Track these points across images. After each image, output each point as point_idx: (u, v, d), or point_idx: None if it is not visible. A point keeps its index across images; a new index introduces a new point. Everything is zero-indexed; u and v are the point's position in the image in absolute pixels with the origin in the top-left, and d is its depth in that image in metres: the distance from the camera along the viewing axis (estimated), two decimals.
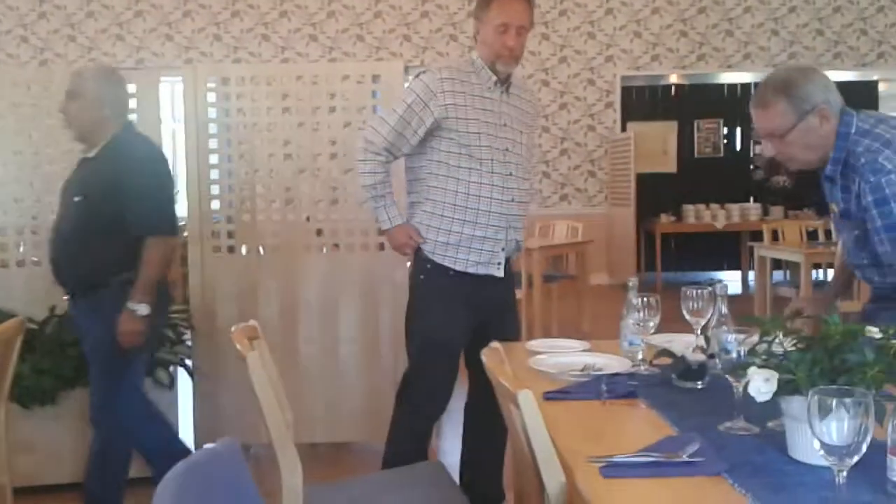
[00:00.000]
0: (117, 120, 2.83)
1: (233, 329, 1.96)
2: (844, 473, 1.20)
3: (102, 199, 2.68)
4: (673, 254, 9.47)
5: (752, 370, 1.39)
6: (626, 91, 9.41)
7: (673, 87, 9.82)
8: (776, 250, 6.55)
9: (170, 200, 2.82)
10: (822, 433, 1.19)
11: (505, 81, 2.68)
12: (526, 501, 1.95)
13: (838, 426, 1.18)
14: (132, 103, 3.49)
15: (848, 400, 1.18)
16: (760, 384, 1.38)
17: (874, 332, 1.46)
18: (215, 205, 3.61)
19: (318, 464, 3.45)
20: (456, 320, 2.63)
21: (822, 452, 1.19)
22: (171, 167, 2.92)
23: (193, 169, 3.56)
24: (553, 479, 1.41)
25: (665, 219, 9.13)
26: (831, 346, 1.40)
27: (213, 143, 3.61)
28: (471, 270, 2.64)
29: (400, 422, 2.71)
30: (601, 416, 1.77)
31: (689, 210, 9.17)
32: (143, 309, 2.66)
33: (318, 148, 3.63)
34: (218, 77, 3.68)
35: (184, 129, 3.58)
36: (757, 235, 7.49)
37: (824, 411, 1.19)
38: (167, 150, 3.18)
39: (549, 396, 1.87)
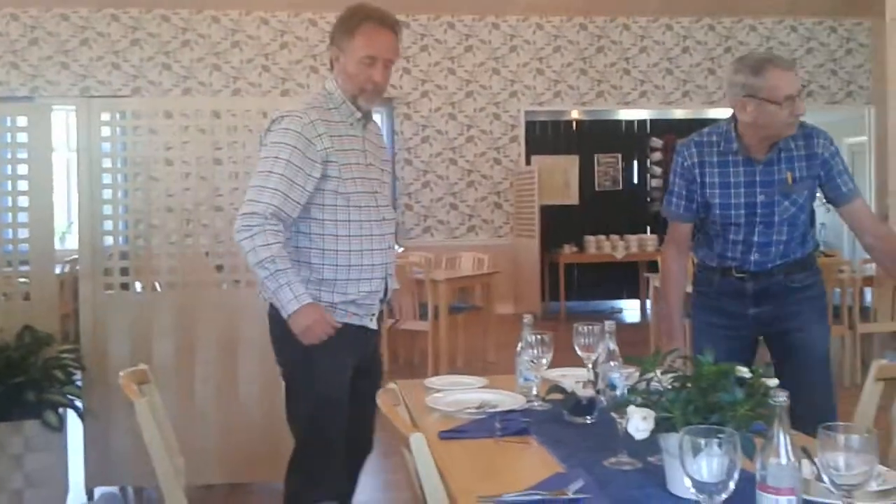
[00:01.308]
0: None
1: (121, 374, 1.91)
2: None
3: None
4: (576, 283, 9.72)
5: (631, 409, 1.45)
6: (530, 125, 9.66)
7: (574, 123, 10.14)
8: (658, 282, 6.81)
9: None
10: (693, 470, 1.25)
11: (366, 116, 2.43)
12: None
13: (708, 464, 1.25)
14: (22, 136, 3.40)
15: (716, 439, 1.24)
16: (638, 423, 1.44)
17: (744, 371, 1.55)
18: (108, 240, 3.51)
19: None
20: (346, 374, 2.38)
21: (692, 490, 1.26)
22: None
23: (86, 203, 3.45)
24: None
25: (568, 249, 9.38)
26: (704, 385, 1.48)
27: (106, 177, 3.52)
28: (354, 322, 2.38)
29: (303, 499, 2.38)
30: (494, 455, 1.80)
31: (591, 241, 9.45)
32: None
33: (218, 182, 3.59)
34: (114, 110, 3.60)
35: (77, 162, 3.48)
36: (654, 265, 7.77)
37: (695, 450, 1.25)
38: (60, 182, 3.07)
39: (445, 436, 1.90)
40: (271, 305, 2.35)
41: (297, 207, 2.26)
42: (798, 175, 2.49)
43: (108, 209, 3.51)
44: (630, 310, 9.77)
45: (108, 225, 3.54)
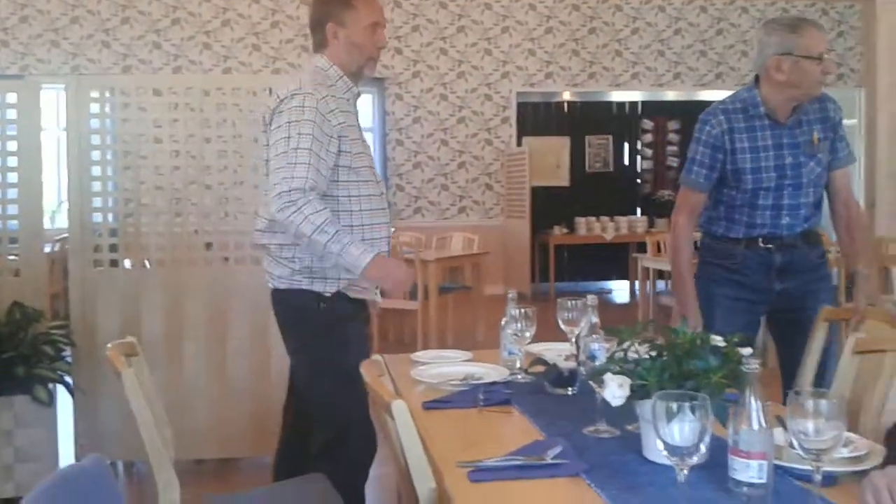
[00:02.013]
0: None
1: (109, 346, 1.94)
2: (686, 472, 1.29)
3: None
4: (566, 264, 9.75)
5: (608, 376, 1.49)
6: (522, 106, 9.66)
7: (566, 104, 10.13)
8: (657, 261, 6.87)
9: None
10: (665, 434, 1.29)
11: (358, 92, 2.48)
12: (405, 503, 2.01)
13: (680, 428, 1.28)
14: (12, 113, 3.40)
15: (688, 403, 1.28)
16: (615, 390, 1.48)
17: (718, 340, 1.58)
18: (97, 217, 3.52)
19: (204, 479, 3.40)
20: (368, 346, 2.43)
21: (665, 453, 1.29)
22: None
23: (76, 179, 3.46)
24: (423, 484, 1.47)
25: (558, 231, 9.40)
26: (679, 353, 1.51)
27: (96, 155, 3.52)
28: (364, 296, 2.44)
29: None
30: (477, 424, 1.84)
31: (581, 222, 9.48)
32: None
33: (208, 160, 3.59)
34: (103, 88, 3.60)
35: (66, 140, 3.49)
36: (643, 246, 7.82)
37: (667, 414, 1.28)
38: (50, 160, 3.07)
39: (429, 406, 1.94)
40: (278, 291, 2.39)
41: (326, 182, 2.28)
42: (821, 136, 2.60)
43: (97, 186, 3.52)
44: (619, 290, 9.82)
45: (98, 202, 3.55)
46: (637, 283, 8.22)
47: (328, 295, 2.35)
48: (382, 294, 2.51)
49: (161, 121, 3.59)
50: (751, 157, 2.58)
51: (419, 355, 2.40)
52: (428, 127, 9.37)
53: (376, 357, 1.99)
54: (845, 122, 2.78)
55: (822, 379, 2.38)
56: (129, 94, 3.59)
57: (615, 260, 9.75)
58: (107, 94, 3.59)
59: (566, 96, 10.07)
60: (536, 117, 9.94)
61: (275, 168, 2.26)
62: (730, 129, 2.60)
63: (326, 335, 2.35)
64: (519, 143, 9.48)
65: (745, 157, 2.58)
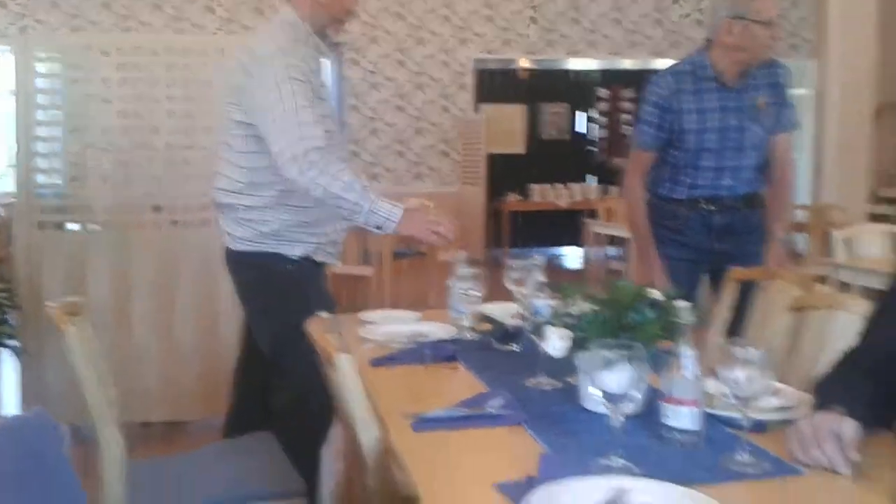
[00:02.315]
0: None
1: (51, 304, 1.91)
2: (622, 419, 1.33)
3: None
4: (521, 231, 9.82)
5: (549, 329, 1.52)
6: (479, 74, 9.63)
7: (523, 72, 10.13)
8: (608, 227, 6.99)
9: None
10: (601, 383, 1.32)
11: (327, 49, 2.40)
12: (350, 458, 2.04)
13: (614, 377, 1.31)
14: None
15: (623, 352, 1.31)
16: (555, 342, 1.51)
17: (656, 293, 1.62)
18: (42, 179, 3.45)
19: (152, 442, 3.39)
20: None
21: (601, 400, 1.33)
22: None
23: (23, 142, 3.38)
24: (367, 435, 1.49)
25: (513, 198, 9.46)
26: (618, 307, 1.55)
27: (42, 115, 3.44)
28: (328, 261, 2.46)
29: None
30: (423, 379, 1.86)
31: (536, 189, 9.55)
32: None
33: (157, 121, 3.53)
34: (50, 48, 3.50)
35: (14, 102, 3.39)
36: (597, 213, 7.92)
37: (604, 363, 1.32)
38: None
39: (376, 363, 1.95)
40: (238, 252, 2.35)
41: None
42: (767, 101, 2.65)
43: (43, 147, 3.44)
44: (572, 256, 9.94)
45: (45, 164, 3.47)
46: (589, 249, 8.33)
47: (294, 258, 2.34)
48: (420, 244, 2.48)
49: (110, 81, 3.51)
50: (696, 119, 2.63)
51: (368, 315, 2.41)
52: (385, 93, 9.30)
53: (323, 314, 1.99)
54: (798, 91, 2.85)
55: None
56: (77, 54, 3.50)
57: (569, 226, 9.84)
58: (55, 55, 3.50)
59: (523, 64, 10.06)
60: (494, 84, 9.93)
61: (274, 130, 2.17)
62: (678, 90, 2.66)
63: (291, 298, 2.34)
64: (476, 111, 9.47)
65: (691, 117, 2.63)
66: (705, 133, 2.63)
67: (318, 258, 2.40)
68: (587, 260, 8.68)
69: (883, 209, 7.40)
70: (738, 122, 2.63)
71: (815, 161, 8.98)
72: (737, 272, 2.40)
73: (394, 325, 2.26)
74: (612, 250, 7.91)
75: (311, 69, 2.26)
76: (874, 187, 8.25)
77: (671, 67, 2.75)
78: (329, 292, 2.51)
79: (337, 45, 2.45)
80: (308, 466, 2.21)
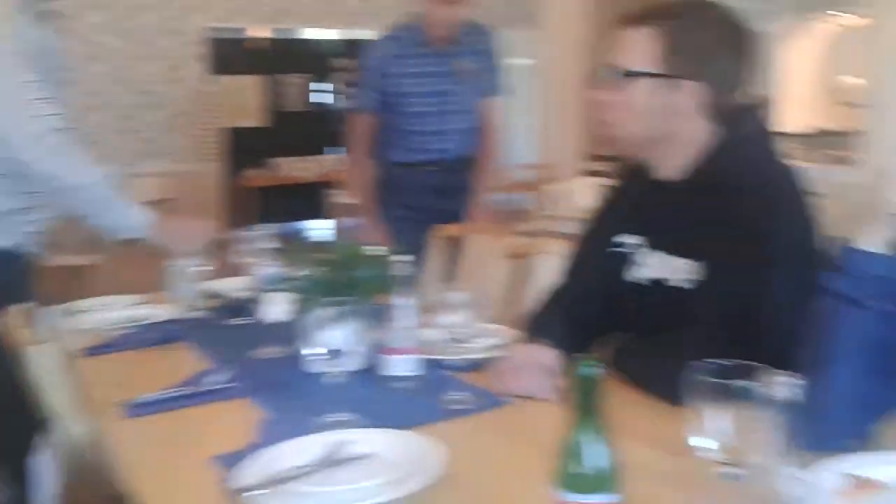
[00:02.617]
0: None
1: None
2: (345, 375, 1.33)
3: None
4: (270, 207, 9.59)
5: (265, 296, 1.48)
6: (214, 43, 9.19)
7: (261, 41, 9.82)
8: (346, 196, 7.09)
9: None
10: (323, 342, 1.31)
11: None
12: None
13: (336, 334, 1.31)
14: None
15: (340, 309, 1.31)
16: (274, 307, 1.47)
17: (379, 250, 1.63)
18: None
19: None
20: None
21: (323, 359, 1.31)
22: None
23: None
24: (76, 430, 1.36)
25: (256, 172, 9.21)
26: (340, 266, 1.54)
27: None
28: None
29: None
30: (141, 364, 1.74)
31: (281, 163, 9.37)
32: None
33: None
34: None
35: None
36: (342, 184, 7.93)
37: (324, 322, 1.31)
38: None
39: (92, 352, 1.80)
40: None
41: None
42: (471, 66, 2.77)
43: None
44: (322, 229, 9.91)
45: None
46: (339, 221, 8.35)
47: None
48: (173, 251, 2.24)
49: None
50: (407, 83, 2.74)
51: (79, 304, 2.21)
52: (106, 65, 8.58)
53: (24, 306, 1.79)
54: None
55: None
56: None
57: (317, 199, 9.79)
58: None
59: (261, 33, 9.76)
60: (228, 55, 9.53)
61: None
62: (394, 55, 2.75)
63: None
64: (210, 83, 9.04)
65: (403, 81, 2.74)
66: (419, 97, 2.74)
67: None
68: (339, 232, 8.70)
69: (597, 166, 8.14)
70: (448, 87, 2.76)
71: (538, 124, 9.66)
72: (440, 229, 2.51)
73: (109, 312, 2.10)
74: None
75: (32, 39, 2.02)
76: (591, 147, 9.04)
77: (388, 32, 2.83)
78: (27, 285, 2.24)
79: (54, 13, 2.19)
80: (14, 477, 1.99)
